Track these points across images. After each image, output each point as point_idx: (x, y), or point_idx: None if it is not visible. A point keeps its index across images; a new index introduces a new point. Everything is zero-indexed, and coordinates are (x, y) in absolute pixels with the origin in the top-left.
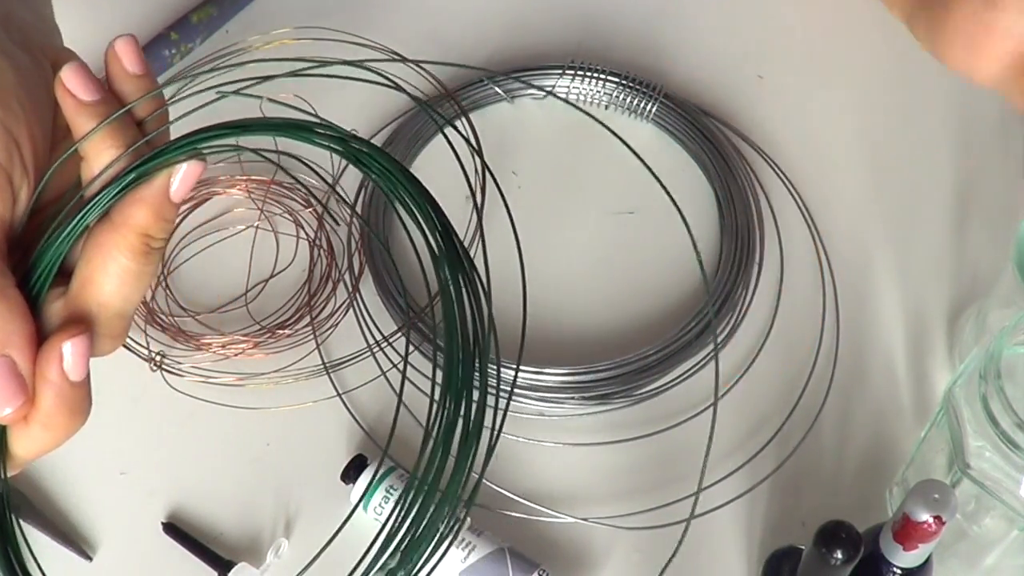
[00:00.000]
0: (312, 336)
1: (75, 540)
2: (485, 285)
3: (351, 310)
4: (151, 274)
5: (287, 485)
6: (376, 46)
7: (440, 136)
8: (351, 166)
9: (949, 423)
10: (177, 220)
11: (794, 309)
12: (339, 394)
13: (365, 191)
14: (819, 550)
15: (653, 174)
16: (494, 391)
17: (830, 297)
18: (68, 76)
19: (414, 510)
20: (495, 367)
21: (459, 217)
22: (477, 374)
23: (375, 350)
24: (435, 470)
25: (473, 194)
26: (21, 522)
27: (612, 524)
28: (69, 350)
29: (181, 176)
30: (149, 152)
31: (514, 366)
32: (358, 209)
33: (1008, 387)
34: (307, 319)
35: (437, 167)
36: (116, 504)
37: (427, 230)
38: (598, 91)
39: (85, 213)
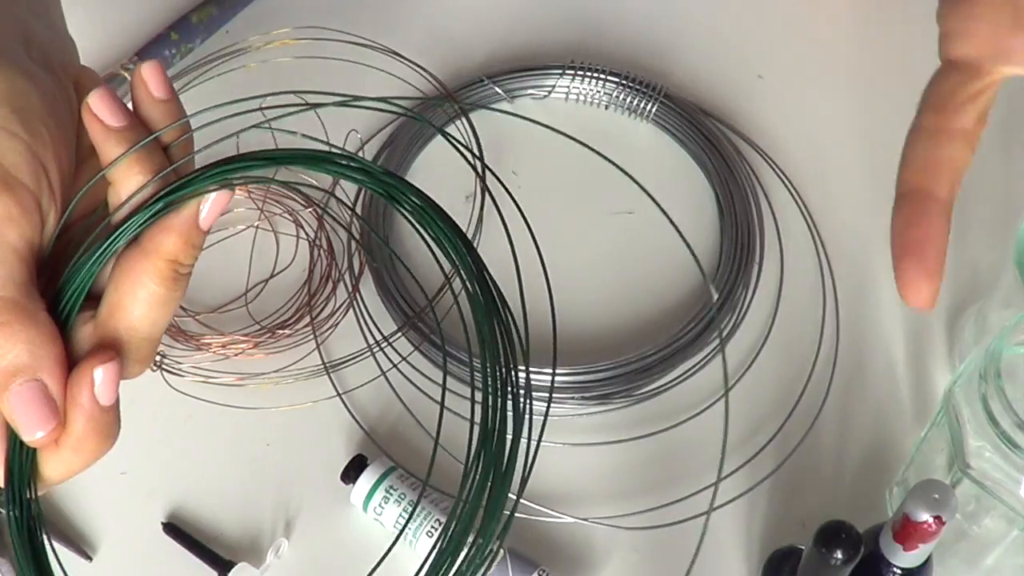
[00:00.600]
0: (312, 336)
1: (75, 540)
2: (517, 326)
3: (351, 310)
4: (179, 299)
5: (287, 485)
6: (376, 45)
7: (439, 138)
8: None
9: (949, 423)
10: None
11: (794, 309)
12: (339, 394)
13: (365, 191)
14: (819, 550)
15: (627, 172)
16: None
17: (830, 297)
18: (95, 102)
19: (453, 544)
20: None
21: (460, 216)
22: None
23: (375, 350)
24: (471, 507)
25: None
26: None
27: (612, 524)
28: (100, 375)
29: (210, 205)
30: (176, 179)
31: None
32: (358, 209)
33: (1008, 387)
34: (307, 319)
35: (437, 168)
36: (116, 504)
37: (461, 270)
38: (598, 91)
39: (115, 239)
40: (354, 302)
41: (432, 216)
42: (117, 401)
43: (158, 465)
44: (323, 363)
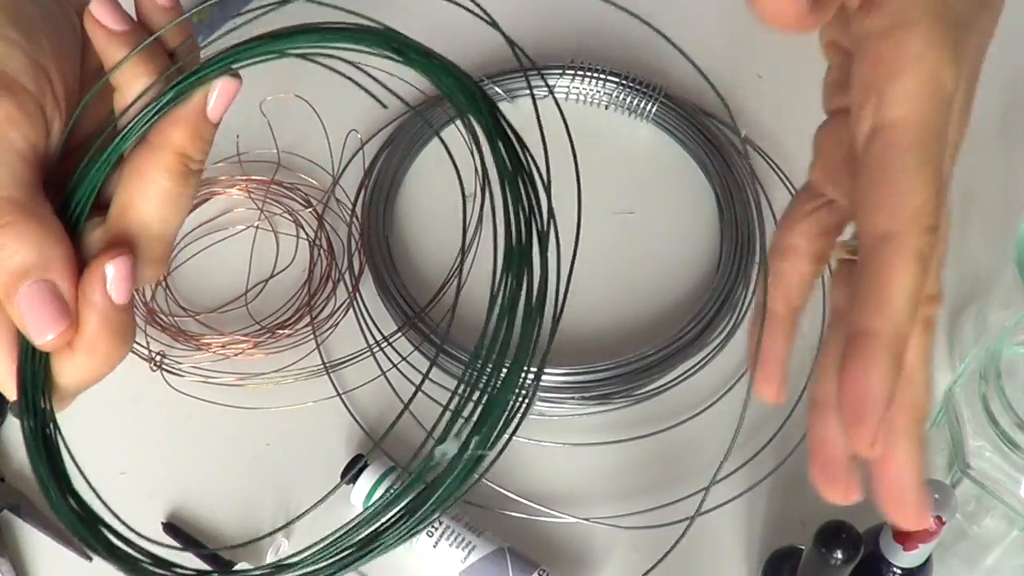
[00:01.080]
0: (312, 336)
1: (75, 540)
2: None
3: (351, 310)
4: (189, 197)
5: (287, 485)
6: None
7: (439, 137)
8: (350, 164)
9: (949, 423)
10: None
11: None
12: (339, 394)
13: (365, 191)
14: (819, 550)
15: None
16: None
17: (830, 296)
18: (96, 7)
19: (484, 376)
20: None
21: (460, 215)
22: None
23: (375, 350)
24: (502, 338)
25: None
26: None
27: (612, 524)
28: (112, 271)
29: (217, 93)
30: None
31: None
32: (358, 209)
33: (1008, 387)
34: (307, 319)
35: (438, 167)
36: (116, 504)
37: (496, 147)
38: (598, 91)
39: (121, 139)
40: (354, 302)
41: (443, 68)
42: (131, 303)
43: (158, 465)
44: (323, 363)
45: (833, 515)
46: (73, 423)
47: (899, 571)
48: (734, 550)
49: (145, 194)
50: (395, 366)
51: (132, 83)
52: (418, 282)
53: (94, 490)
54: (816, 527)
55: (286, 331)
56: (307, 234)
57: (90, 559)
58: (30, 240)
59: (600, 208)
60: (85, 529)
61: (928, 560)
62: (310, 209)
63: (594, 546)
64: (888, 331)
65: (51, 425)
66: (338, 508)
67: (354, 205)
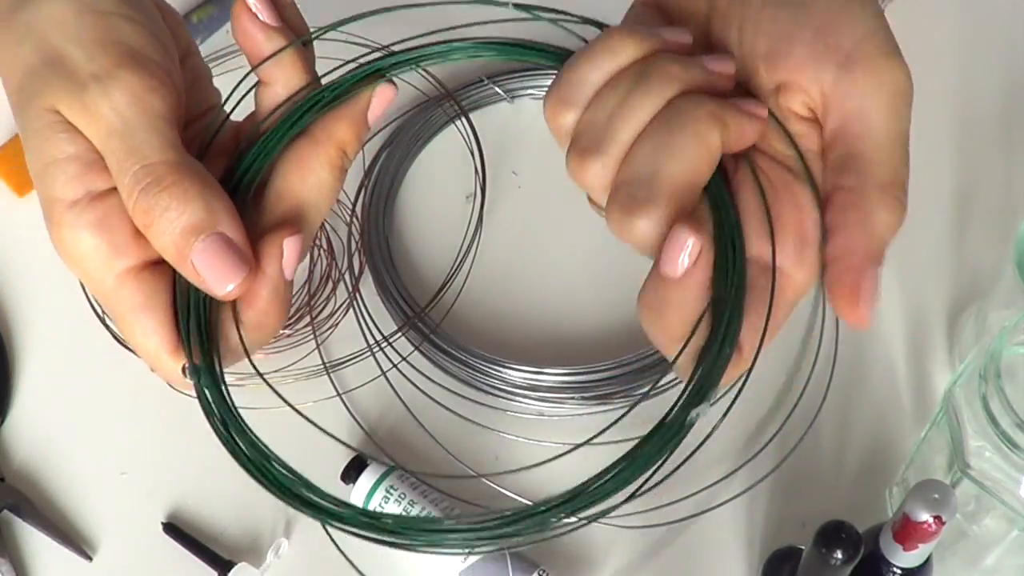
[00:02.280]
0: (312, 336)
1: (75, 540)
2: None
3: (351, 310)
4: (337, 191)
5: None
6: (374, 45)
7: (439, 136)
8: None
9: (949, 423)
10: None
11: (794, 308)
12: (339, 394)
13: (365, 191)
14: (819, 550)
15: None
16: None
17: None
18: (255, 1)
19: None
20: None
21: (460, 216)
22: None
23: (375, 350)
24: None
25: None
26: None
27: (612, 524)
28: (289, 245)
29: (378, 97)
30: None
31: (521, 367)
32: (358, 209)
33: (1008, 387)
34: (307, 319)
35: (438, 168)
36: (116, 504)
37: None
38: None
39: (286, 129)
40: (354, 302)
41: None
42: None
43: (158, 465)
44: (323, 363)
45: (833, 515)
46: (73, 423)
47: (899, 571)
48: (734, 550)
49: (305, 183)
50: (395, 366)
51: (290, 79)
52: (418, 282)
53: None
54: (816, 527)
55: (286, 331)
56: None
57: (90, 559)
58: (195, 197)
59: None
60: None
61: (928, 560)
62: None
63: (594, 546)
64: None
65: (227, 390)
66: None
67: (354, 205)
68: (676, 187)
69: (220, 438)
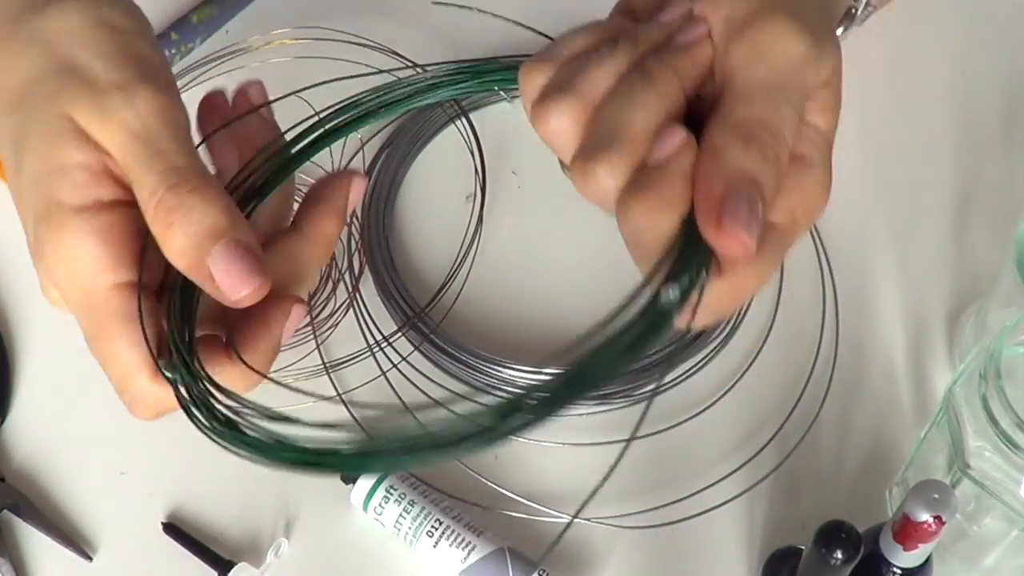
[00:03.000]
0: (312, 336)
1: (75, 540)
2: None
3: (351, 310)
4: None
5: (287, 485)
6: (376, 45)
7: (439, 136)
8: (350, 164)
9: (949, 423)
10: None
11: (794, 309)
12: (339, 394)
13: (365, 191)
14: (819, 550)
15: None
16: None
17: (830, 297)
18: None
19: None
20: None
21: (460, 215)
22: None
23: (375, 350)
24: None
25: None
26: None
27: (612, 524)
28: (297, 312)
29: (355, 190)
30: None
31: (521, 367)
32: (358, 209)
33: (1008, 387)
34: (307, 319)
35: (437, 168)
36: (116, 504)
37: None
38: None
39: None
40: (354, 302)
41: None
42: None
43: (158, 465)
44: (323, 363)
45: (833, 515)
46: (73, 423)
47: (899, 571)
48: (734, 550)
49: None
50: (395, 366)
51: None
52: (418, 282)
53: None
54: (816, 527)
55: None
56: None
57: (90, 559)
58: (218, 203)
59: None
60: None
61: (928, 560)
62: None
63: (594, 546)
64: None
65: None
66: (338, 509)
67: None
68: (637, 136)
69: (200, 427)
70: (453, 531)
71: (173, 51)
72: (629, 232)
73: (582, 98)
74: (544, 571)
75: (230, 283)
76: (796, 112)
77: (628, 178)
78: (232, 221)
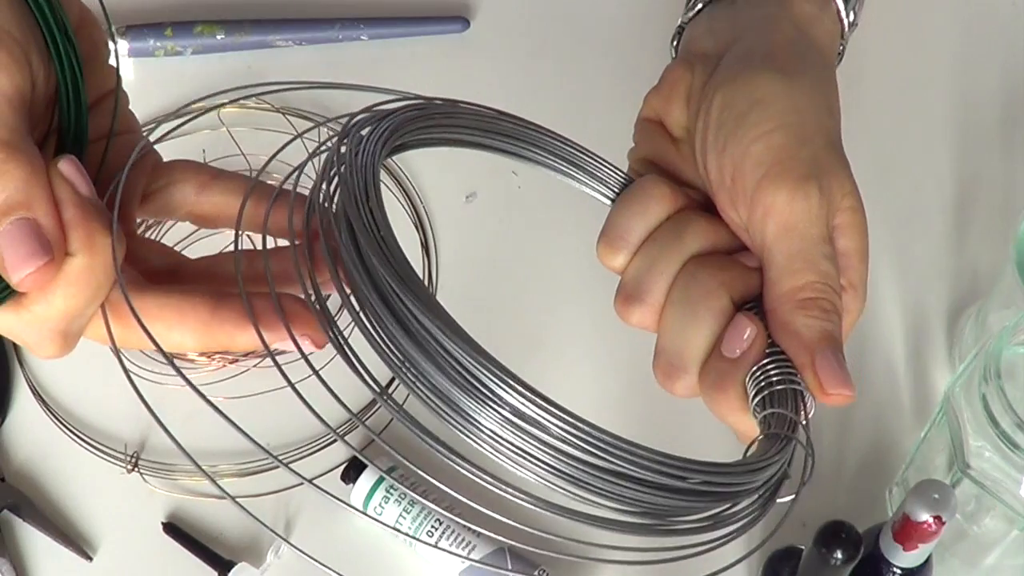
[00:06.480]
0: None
1: (75, 540)
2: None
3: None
4: None
5: (287, 485)
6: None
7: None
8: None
9: (949, 423)
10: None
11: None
12: (337, 397)
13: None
14: (819, 550)
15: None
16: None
17: None
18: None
19: None
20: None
21: (461, 215)
22: None
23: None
24: None
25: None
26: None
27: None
28: (64, 166)
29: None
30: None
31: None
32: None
33: (1008, 387)
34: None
35: (437, 168)
36: (116, 504)
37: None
38: None
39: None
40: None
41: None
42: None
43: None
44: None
45: (833, 515)
46: (74, 422)
47: (899, 571)
48: (734, 550)
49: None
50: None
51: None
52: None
53: None
54: (816, 527)
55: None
56: None
57: (90, 559)
58: (17, 179)
59: (600, 208)
60: None
61: (928, 560)
62: None
63: (594, 546)
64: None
65: None
66: (338, 508)
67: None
68: (702, 353)
69: None
70: (453, 531)
71: (159, 46)
72: (714, 410)
73: (654, 305)
74: (544, 571)
75: (12, 261)
76: (830, 257)
77: (703, 380)
78: (27, 198)
